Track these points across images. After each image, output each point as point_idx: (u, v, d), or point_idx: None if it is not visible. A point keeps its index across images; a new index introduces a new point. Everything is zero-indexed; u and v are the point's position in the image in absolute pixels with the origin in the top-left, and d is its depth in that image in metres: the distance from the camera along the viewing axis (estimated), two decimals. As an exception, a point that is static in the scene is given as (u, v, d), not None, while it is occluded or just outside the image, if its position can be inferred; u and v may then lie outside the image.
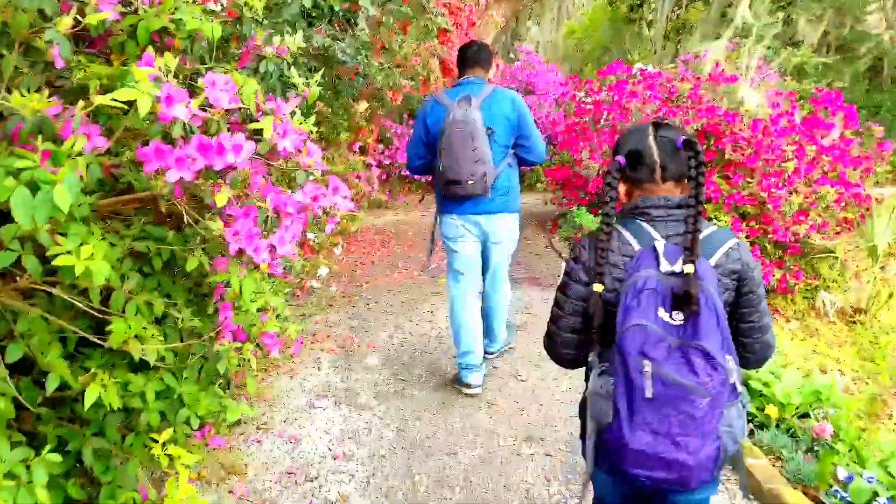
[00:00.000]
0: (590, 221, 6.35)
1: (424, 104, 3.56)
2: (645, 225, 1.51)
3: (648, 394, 1.32)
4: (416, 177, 7.69)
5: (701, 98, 6.35)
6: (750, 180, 5.88)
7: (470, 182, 3.22)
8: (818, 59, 9.63)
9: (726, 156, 5.89)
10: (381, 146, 9.11)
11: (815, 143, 6.03)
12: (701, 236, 1.45)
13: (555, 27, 16.62)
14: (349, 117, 5.98)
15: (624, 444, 1.37)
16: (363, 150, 6.84)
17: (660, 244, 1.44)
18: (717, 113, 6.21)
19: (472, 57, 3.46)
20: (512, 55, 13.66)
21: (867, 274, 6.12)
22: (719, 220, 6.07)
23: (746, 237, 5.96)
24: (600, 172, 6.43)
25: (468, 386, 3.67)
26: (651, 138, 1.55)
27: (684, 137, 1.53)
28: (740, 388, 1.46)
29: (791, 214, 5.70)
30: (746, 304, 1.54)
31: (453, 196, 3.33)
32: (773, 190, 5.68)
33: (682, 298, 1.36)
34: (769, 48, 7.89)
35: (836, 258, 6.05)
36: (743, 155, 5.88)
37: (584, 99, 7.11)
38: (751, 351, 1.59)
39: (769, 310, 1.61)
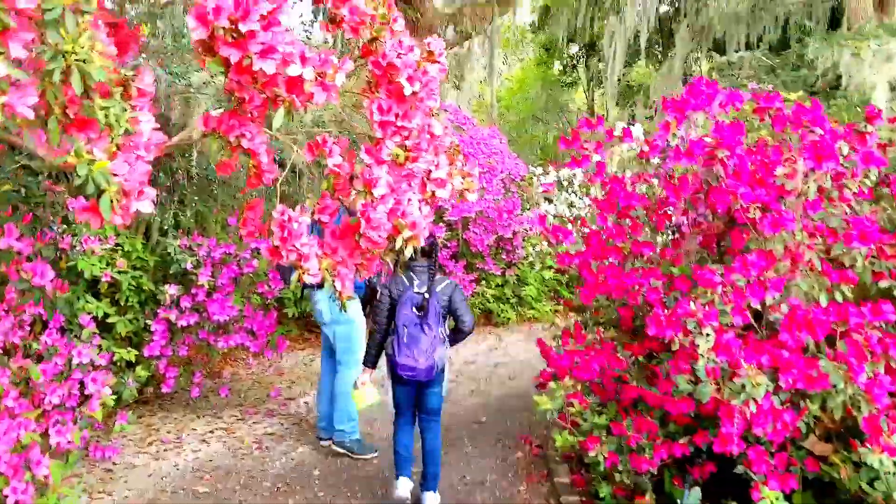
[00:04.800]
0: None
1: None
2: (411, 273, 3.63)
3: (406, 340, 3.49)
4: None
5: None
6: None
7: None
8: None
9: None
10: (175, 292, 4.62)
11: None
12: (435, 280, 3.66)
13: (486, 85, 13.19)
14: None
15: (396, 361, 3.50)
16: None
17: (415, 282, 3.60)
18: None
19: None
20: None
21: None
22: None
23: None
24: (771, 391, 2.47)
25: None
26: None
27: (431, 240, 3.58)
28: (444, 339, 3.62)
29: None
30: (453, 308, 3.65)
31: None
32: None
33: (421, 305, 3.53)
34: None
35: None
36: None
37: (649, 166, 3.16)
38: (462, 322, 3.68)
39: (469, 309, 3.76)
